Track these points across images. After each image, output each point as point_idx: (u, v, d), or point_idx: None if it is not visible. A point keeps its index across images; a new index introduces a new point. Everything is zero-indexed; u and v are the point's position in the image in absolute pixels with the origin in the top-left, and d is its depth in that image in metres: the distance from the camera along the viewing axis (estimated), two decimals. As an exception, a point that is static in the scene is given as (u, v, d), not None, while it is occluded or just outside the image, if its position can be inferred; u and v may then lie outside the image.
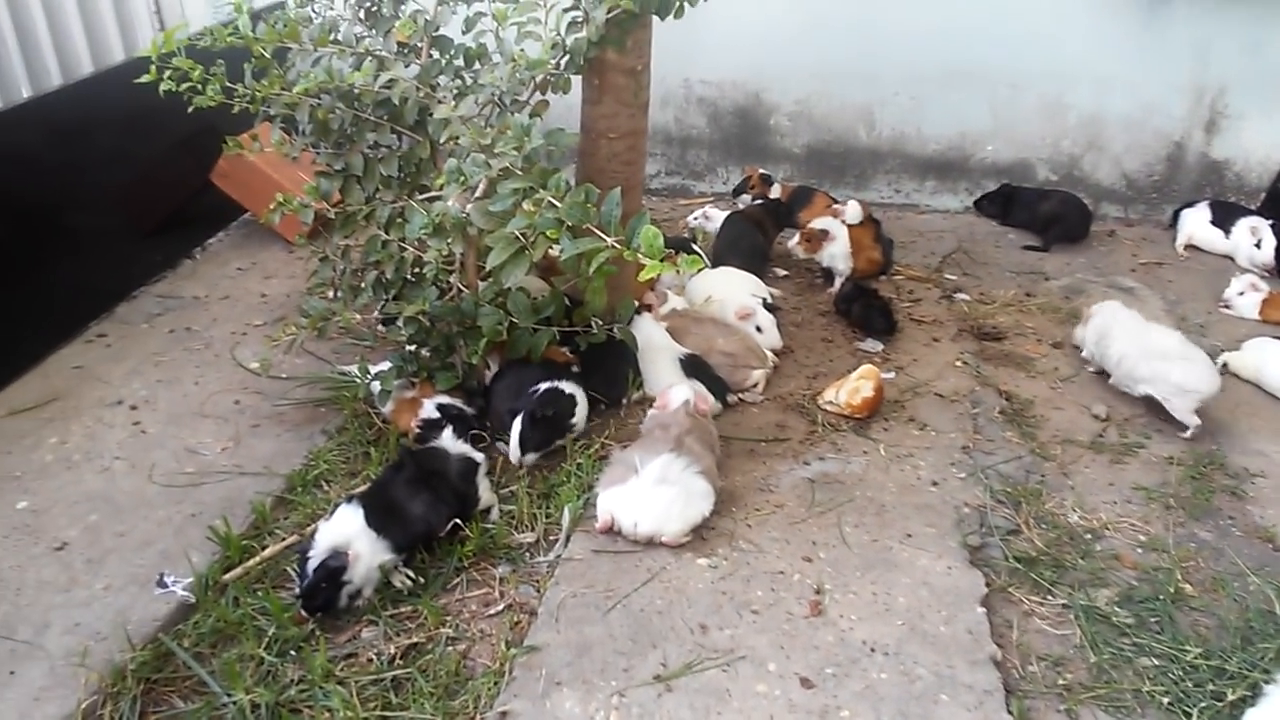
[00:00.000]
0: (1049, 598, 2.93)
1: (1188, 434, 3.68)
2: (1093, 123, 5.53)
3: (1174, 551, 3.12)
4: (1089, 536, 3.19)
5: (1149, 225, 5.62)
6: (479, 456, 3.24)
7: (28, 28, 6.45)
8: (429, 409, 3.48)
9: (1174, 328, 4.32)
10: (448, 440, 3.25)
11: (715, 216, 5.21)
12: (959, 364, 4.15)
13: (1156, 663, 2.71)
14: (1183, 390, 3.67)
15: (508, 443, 3.42)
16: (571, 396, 3.47)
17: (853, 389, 3.75)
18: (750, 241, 4.87)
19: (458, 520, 3.06)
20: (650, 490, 3.04)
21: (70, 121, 4.41)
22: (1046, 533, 3.19)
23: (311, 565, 2.75)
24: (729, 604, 2.87)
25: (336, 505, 2.98)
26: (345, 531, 2.82)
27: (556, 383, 3.47)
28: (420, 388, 3.62)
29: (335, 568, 2.75)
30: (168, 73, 3.46)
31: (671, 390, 3.46)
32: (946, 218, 5.75)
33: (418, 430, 3.46)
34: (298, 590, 2.80)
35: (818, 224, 4.77)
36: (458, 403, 3.56)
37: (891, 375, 4.04)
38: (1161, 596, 2.93)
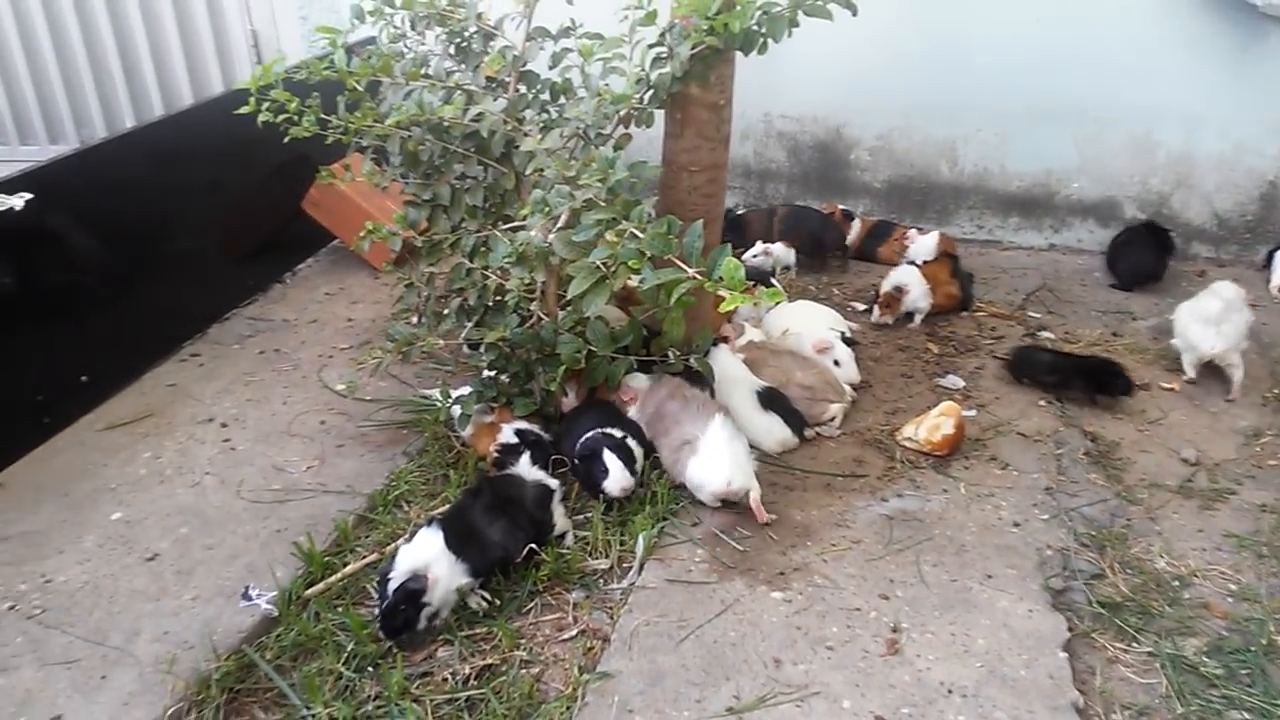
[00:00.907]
0: (1134, 645, 2.85)
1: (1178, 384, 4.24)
2: (1182, 161, 5.41)
3: (1267, 602, 3.01)
4: (1177, 584, 3.09)
5: (1242, 266, 5.46)
6: (554, 483, 3.27)
7: (133, 62, 6.80)
8: (508, 434, 3.53)
9: (1267, 372, 4.23)
10: (524, 467, 3.28)
11: (775, 251, 5.24)
12: (1042, 403, 4.07)
13: (1247, 717, 2.61)
14: (1189, 345, 4.19)
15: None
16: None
17: (933, 425, 3.70)
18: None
19: (533, 545, 3.09)
20: (730, 445, 3.29)
21: (171, 150, 4.59)
22: (1132, 578, 3.11)
23: (391, 587, 2.80)
24: (803, 639, 2.85)
25: (417, 528, 3.04)
26: (425, 554, 2.87)
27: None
28: (499, 413, 3.67)
29: (415, 590, 2.79)
30: (266, 104, 3.59)
31: (632, 381, 3.69)
32: (1030, 254, 5.67)
33: (496, 454, 3.51)
34: (377, 611, 2.85)
35: (889, 283, 4.74)
36: (535, 428, 3.60)
37: (973, 413, 3.98)
38: (1253, 648, 2.82)
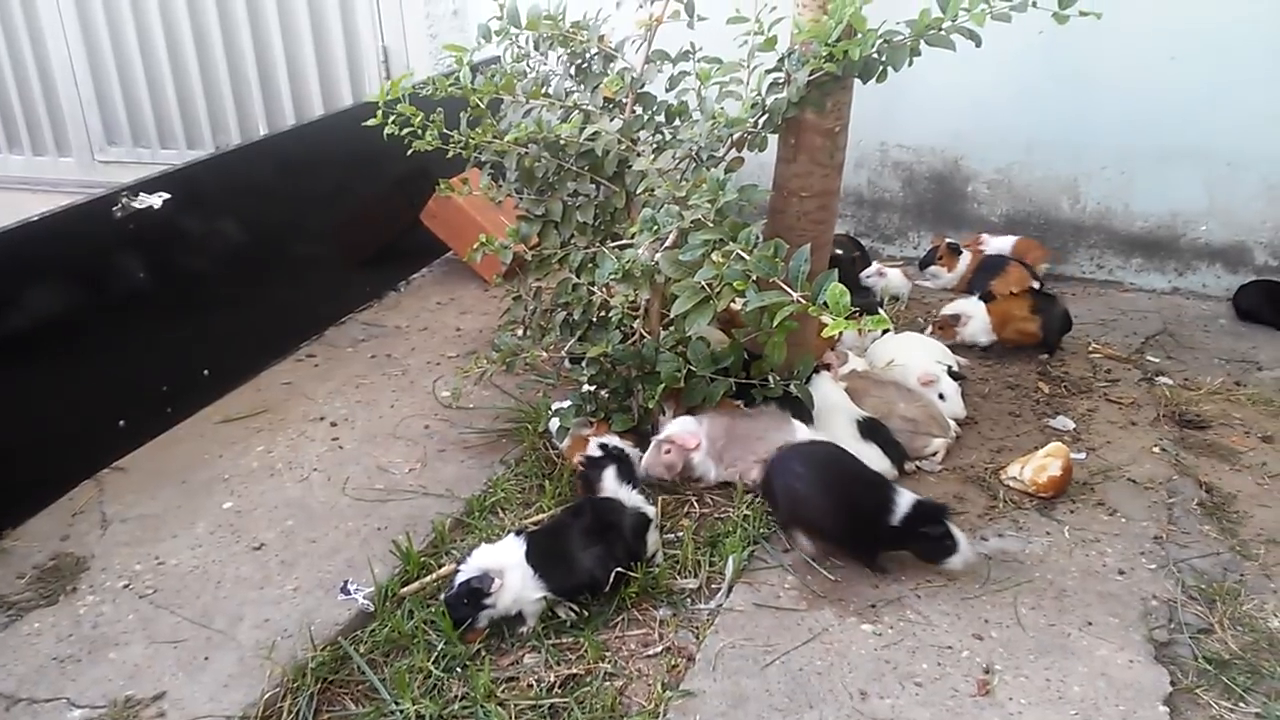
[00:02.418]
0: (1241, 705, 2.71)
1: None
2: (1322, 208, 5.17)
3: (1392, 672, 2.84)
4: (1291, 645, 2.94)
5: (1383, 321, 5.18)
6: (651, 511, 3.25)
7: (270, 74, 7.10)
8: (593, 448, 3.48)
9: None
10: (624, 493, 3.27)
11: (889, 274, 5.19)
12: (1156, 450, 3.92)
13: (1365, 792, 2.47)
14: None
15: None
16: None
17: (1039, 466, 3.60)
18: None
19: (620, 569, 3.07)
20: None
21: (300, 158, 4.78)
22: (1242, 635, 2.96)
23: (458, 579, 2.88)
24: (891, 673, 2.79)
25: (508, 533, 3.09)
26: (500, 560, 2.91)
27: None
28: (597, 428, 3.70)
29: (477, 588, 2.84)
30: (391, 118, 3.72)
31: (678, 429, 3.53)
32: (1152, 298, 5.48)
33: (580, 467, 3.49)
34: (443, 597, 2.94)
35: (949, 309, 4.72)
36: (623, 444, 3.55)
37: (1082, 456, 3.85)
38: (1374, 719, 2.67)
